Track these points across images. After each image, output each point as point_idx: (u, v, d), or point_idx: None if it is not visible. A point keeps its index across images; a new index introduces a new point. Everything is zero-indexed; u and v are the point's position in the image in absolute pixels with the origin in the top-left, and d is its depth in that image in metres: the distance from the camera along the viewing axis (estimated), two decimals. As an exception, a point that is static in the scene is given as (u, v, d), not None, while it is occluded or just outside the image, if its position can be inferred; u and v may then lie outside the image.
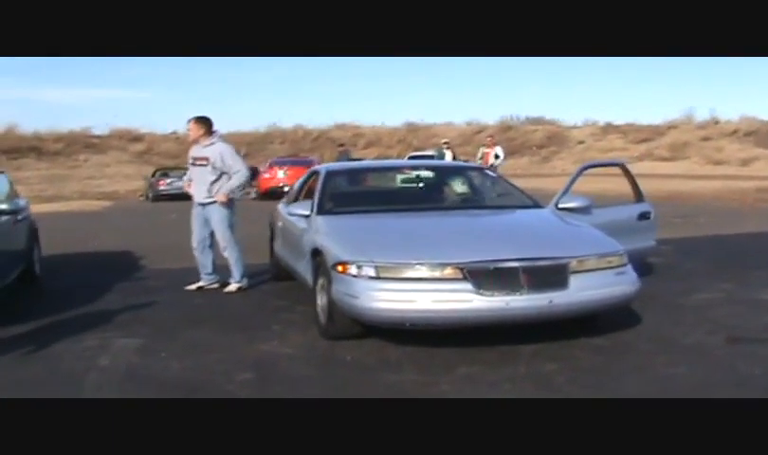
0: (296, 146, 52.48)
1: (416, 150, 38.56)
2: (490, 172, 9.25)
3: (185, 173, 31.90)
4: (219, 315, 7.96)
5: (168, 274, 10.35)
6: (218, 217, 9.20)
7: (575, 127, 55.11)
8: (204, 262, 9.35)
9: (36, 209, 24.88)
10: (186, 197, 9.81)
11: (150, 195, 31.81)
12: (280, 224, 9.23)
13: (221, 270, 9.37)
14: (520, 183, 9.00)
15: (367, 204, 8.17)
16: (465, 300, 5.91)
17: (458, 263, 6.01)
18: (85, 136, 50.76)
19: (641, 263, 9.19)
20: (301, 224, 7.82)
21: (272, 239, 9.90)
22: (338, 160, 25.37)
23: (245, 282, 9.28)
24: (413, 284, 6.00)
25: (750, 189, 25.85)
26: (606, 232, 7.34)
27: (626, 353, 6.26)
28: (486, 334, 6.37)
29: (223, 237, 9.20)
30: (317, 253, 7.00)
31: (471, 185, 8.95)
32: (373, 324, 6.30)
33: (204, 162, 9.18)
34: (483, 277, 5.97)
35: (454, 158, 26.23)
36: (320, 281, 6.86)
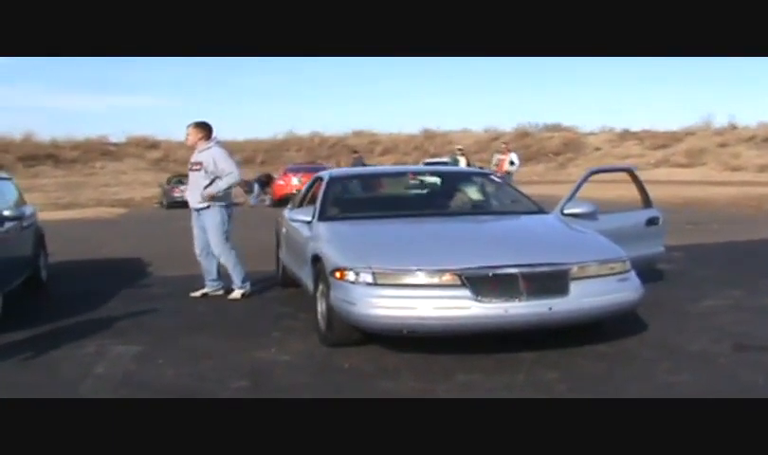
0: (312, 153, 52.61)
1: (432, 156, 38.54)
2: (495, 178, 9.14)
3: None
4: (220, 322, 7.91)
5: (174, 281, 10.31)
6: (211, 223, 9.13)
7: (591, 134, 54.88)
8: (208, 268, 9.30)
9: (52, 216, 25.33)
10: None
11: (164, 202, 31.83)
12: (284, 230, 9.18)
13: (226, 277, 9.30)
14: (535, 189, 8.93)
15: (369, 210, 8.09)
16: (463, 307, 5.82)
17: (456, 270, 5.93)
18: (102, 144, 51.02)
19: (650, 270, 9.11)
20: (304, 230, 7.76)
21: (278, 246, 9.84)
22: (352, 167, 25.32)
23: (247, 286, 9.21)
24: (411, 291, 5.92)
25: (766, 195, 25.60)
26: (612, 238, 7.23)
27: (629, 360, 6.15)
28: (487, 341, 6.28)
29: (216, 244, 9.13)
30: (317, 260, 6.93)
31: (475, 191, 8.87)
32: (370, 331, 6.22)
33: (198, 167, 9.15)
34: (481, 283, 5.88)
35: (468, 165, 26.12)
36: (321, 287, 6.79)
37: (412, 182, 9.42)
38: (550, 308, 5.89)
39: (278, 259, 9.82)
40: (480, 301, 5.81)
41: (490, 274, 5.92)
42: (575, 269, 6.10)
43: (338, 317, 6.30)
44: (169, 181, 33.57)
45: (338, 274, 6.27)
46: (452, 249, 6.41)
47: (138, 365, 6.32)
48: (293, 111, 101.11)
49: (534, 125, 58.07)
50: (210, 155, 9.08)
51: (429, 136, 57.89)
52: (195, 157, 9.24)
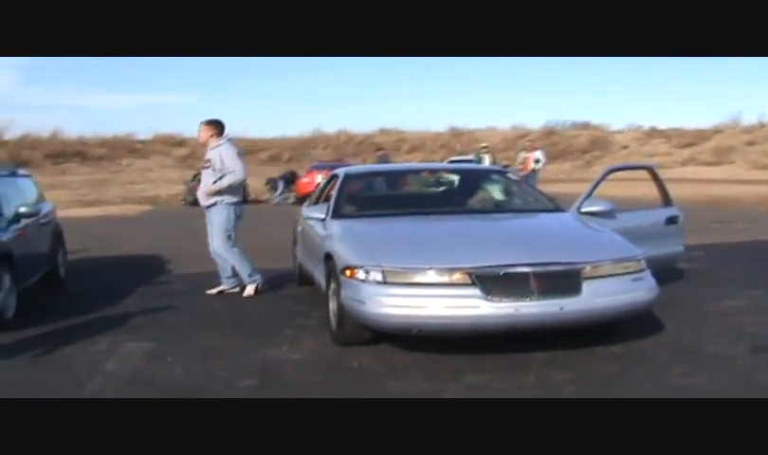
0: (339, 151, 52.53)
1: (459, 154, 38.38)
2: (512, 176, 9.05)
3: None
4: (234, 319, 7.89)
5: (192, 278, 10.30)
6: (216, 220, 9.14)
7: (618, 132, 54.46)
8: (223, 265, 9.29)
9: (77, 213, 25.52)
10: None
11: (189, 199, 31.89)
12: (299, 228, 9.13)
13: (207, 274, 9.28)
14: (561, 187, 8.86)
15: (383, 208, 8.03)
16: (473, 307, 5.75)
17: (466, 268, 5.85)
18: (129, 141, 51.22)
19: (670, 269, 9.00)
20: (318, 227, 7.72)
21: (294, 243, 9.81)
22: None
23: (258, 279, 9.18)
24: (421, 290, 5.86)
25: (795, 194, 25.28)
26: (631, 237, 7.13)
27: (643, 361, 6.06)
28: (499, 340, 6.21)
29: (217, 241, 9.13)
30: (329, 257, 6.89)
31: (491, 189, 8.77)
32: (380, 330, 6.17)
33: (208, 164, 9.14)
34: (491, 282, 5.80)
35: (493, 163, 25.96)
36: (332, 285, 6.74)
37: (427, 180, 9.36)
38: (561, 308, 5.80)
39: (294, 256, 9.78)
40: (490, 301, 5.74)
41: (501, 273, 5.84)
42: (587, 269, 6.01)
43: (349, 315, 6.26)
44: (194, 178, 33.60)
45: (348, 272, 6.22)
46: (463, 248, 6.32)
47: (148, 362, 6.31)
48: (320, 109, 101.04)
49: (562, 123, 57.71)
50: (218, 153, 9.06)
51: (456, 134, 57.61)
52: (207, 155, 9.23)
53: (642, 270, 6.29)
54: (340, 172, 8.80)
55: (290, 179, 32.07)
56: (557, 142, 51.66)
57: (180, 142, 51.81)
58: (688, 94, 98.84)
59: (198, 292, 9.27)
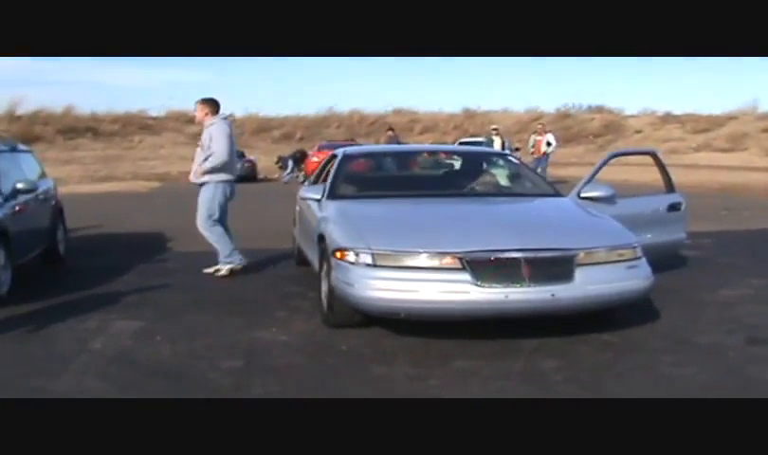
0: (352, 131, 52.42)
1: (472, 136, 38.17)
2: (512, 159, 8.92)
3: (238, 154, 31.91)
4: (227, 299, 7.83)
5: (190, 257, 10.23)
6: (202, 198, 9.08)
7: (632, 116, 54.05)
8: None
9: (87, 189, 25.58)
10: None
11: (200, 178, 31.88)
12: (298, 208, 9.06)
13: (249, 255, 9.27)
14: (573, 171, 8.76)
15: (379, 189, 7.94)
16: (462, 292, 5.66)
17: (457, 253, 5.77)
18: (141, 118, 51.25)
19: (673, 256, 8.90)
20: (314, 208, 7.65)
21: (294, 223, 9.74)
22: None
23: (236, 262, 9.08)
24: (410, 273, 5.77)
25: (808, 182, 25.03)
26: (631, 223, 7.05)
27: (634, 350, 5.96)
28: (494, 326, 6.14)
29: (200, 217, 9.08)
30: (322, 238, 6.82)
31: (491, 172, 8.65)
32: (368, 313, 6.10)
33: (200, 143, 9.08)
34: (482, 267, 5.71)
35: (503, 145, 25.82)
36: (325, 266, 6.66)
37: (428, 162, 9.26)
38: (553, 295, 5.71)
39: (294, 237, 9.72)
40: (480, 286, 5.65)
41: (492, 258, 5.75)
42: (581, 255, 5.91)
43: (338, 298, 6.19)
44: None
45: (338, 254, 6.15)
46: (455, 232, 6.22)
47: (136, 341, 6.26)
48: (335, 89, 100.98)
49: (578, 107, 57.36)
50: (209, 132, 9.01)
51: (469, 115, 57.35)
52: (202, 134, 9.18)
53: (637, 258, 6.17)
54: (339, 151, 8.72)
55: (299, 158, 32.00)
56: (570, 126, 51.36)
57: (193, 119, 51.47)
58: (705, 80, 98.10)
59: (195, 271, 9.21)
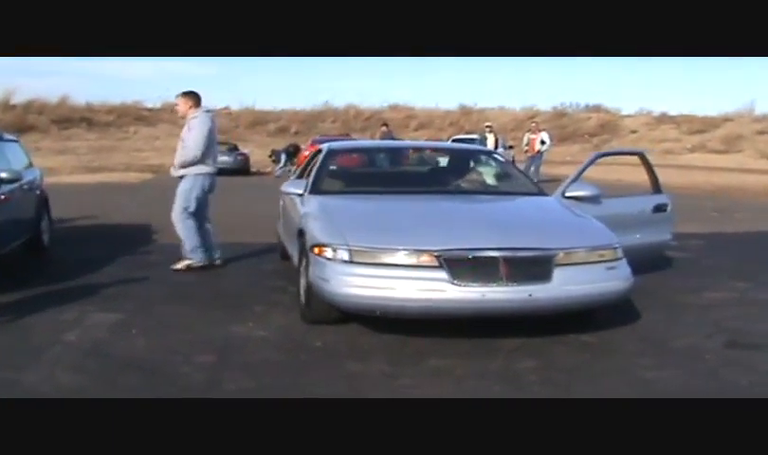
0: (347, 126, 52.32)
1: (467, 133, 38.16)
2: (498, 157, 8.87)
3: (231, 148, 31.67)
4: (208, 293, 7.80)
5: (174, 249, 10.04)
6: (179, 190, 9.02)
7: (628, 116, 54.08)
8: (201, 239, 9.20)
9: (78, 179, 25.51)
10: (226, 173, 9.57)
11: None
12: (281, 202, 9.01)
13: (249, 248, 9.22)
14: (566, 170, 8.68)
15: (362, 185, 7.90)
16: (438, 290, 5.61)
17: (434, 251, 5.72)
18: (137, 109, 51.14)
19: (659, 257, 8.88)
20: (296, 202, 7.60)
21: (279, 218, 9.70)
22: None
23: (196, 260, 8.97)
24: (387, 271, 5.72)
25: (801, 185, 25.02)
26: (616, 224, 7.02)
27: (612, 352, 5.92)
28: (475, 325, 6.09)
29: (175, 210, 9.00)
30: (302, 233, 6.77)
31: (476, 170, 8.60)
32: (344, 310, 6.05)
33: (181, 136, 9.04)
34: (459, 266, 5.67)
35: (497, 143, 25.79)
36: (304, 262, 6.62)
37: (413, 159, 9.23)
38: (530, 294, 5.66)
39: (278, 232, 9.67)
40: (456, 285, 5.60)
41: (469, 256, 5.71)
42: (560, 255, 5.86)
43: (315, 294, 6.14)
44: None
45: (316, 249, 6.10)
46: (434, 229, 6.17)
47: (111, 334, 6.21)
48: (331, 83, 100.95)
49: (575, 106, 57.38)
50: (188, 126, 8.95)
51: (465, 112, 57.35)
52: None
53: (617, 259, 6.13)
54: (325, 146, 8.67)
55: (292, 152, 31.98)
56: (566, 125, 51.44)
57: (208, 111, 51.64)
58: (702, 80, 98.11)
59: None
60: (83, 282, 8.17)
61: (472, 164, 8.74)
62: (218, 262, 9.21)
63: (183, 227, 8.95)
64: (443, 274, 5.63)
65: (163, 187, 23.35)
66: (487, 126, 26.36)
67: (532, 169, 24.20)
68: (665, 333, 6.42)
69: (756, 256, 10.60)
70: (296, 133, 49.54)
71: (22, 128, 41.89)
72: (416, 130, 52.90)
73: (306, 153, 28.37)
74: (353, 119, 55.12)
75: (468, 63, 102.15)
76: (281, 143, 37.28)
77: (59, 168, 32.39)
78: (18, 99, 45.63)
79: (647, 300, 7.25)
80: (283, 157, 32.18)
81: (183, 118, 9.19)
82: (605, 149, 45.62)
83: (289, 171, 30.33)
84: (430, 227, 6.25)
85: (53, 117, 45.39)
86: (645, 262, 8.34)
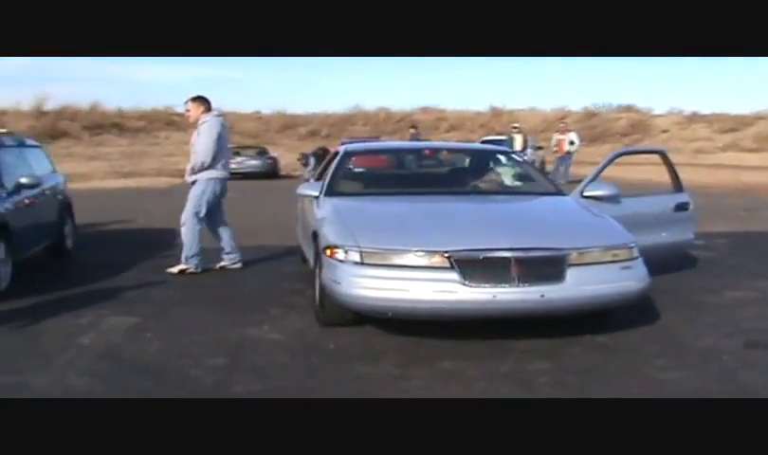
0: (378, 128, 52.34)
1: (498, 134, 38.02)
2: (516, 157, 8.80)
3: (260, 151, 31.56)
4: (225, 296, 7.81)
5: (204, 253, 10.19)
6: (191, 194, 9.05)
7: (659, 116, 53.61)
8: (221, 242, 9.23)
9: (109, 184, 25.72)
10: (255, 176, 9.60)
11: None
12: (299, 204, 9.01)
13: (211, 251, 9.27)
14: (584, 171, 8.56)
15: (377, 187, 7.87)
16: (449, 291, 5.56)
17: (445, 251, 5.67)
18: (167, 114, 51.42)
19: (683, 257, 8.78)
20: (312, 204, 7.59)
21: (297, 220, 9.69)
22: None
23: (192, 266, 8.93)
24: (398, 272, 5.69)
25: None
26: (636, 223, 6.94)
27: (627, 353, 5.83)
28: (490, 326, 6.03)
29: (186, 211, 9.01)
30: (316, 236, 6.77)
31: (494, 170, 8.54)
32: (356, 312, 6.03)
33: (192, 141, 9.05)
34: (470, 266, 5.61)
35: (525, 144, 25.62)
36: (318, 264, 6.60)
37: (429, 159, 9.19)
38: (542, 295, 5.60)
39: (297, 234, 9.67)
40: (467, 286, 5.56)
41: (480, 257, 5.66)
42: (573, 255, 5.79)
43: (328, 296, 6.12)
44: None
45: (328, 251, 6.09)
46: (446, 230, 6.13)
47: (126, 338, 6.23)
48: (362, 86, 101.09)
49: (607, 106, 56.96)
50: (198, 131, 8.96)
51: (496, 113, 57.15)
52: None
53: (633, 258, 6.03)
54: (342, 148, 8.65)
55: (321, 155, 31.92)
56: (596, 125, 51.06)
57: (219, 116, 51.89)
58: (734, 79, 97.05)
59: (206, 266, 9.15)
60: (103, 286, 8.21)
61: (489, 165, 8.68)
62: (238, 265, 9.22)
63: (189, 232, 8.95)
64: (454, 275, 5.59)
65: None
66: (514, 127, 26.15)
67: (561, 169, 24.05)
68: (683, 333, 6.33)
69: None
70: (327, 136, 49.59)
71: (54, 134, 42.40)
72: (447, 132, 52.79)
73: (335, 155, 28.45)
74: (383, 122, 55.13)
75: (499, 65, 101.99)
76: (311, 147, 37.27)
77: (91, 173, 32.67)
78: (50, 105, 46.04)
79: (667, 300, 7.16)
80: (312, 160, 32.13)
81: (194, 123, 9.17)
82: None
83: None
84: (442, 228, 6.21)
85: (85, 123, 45.79)
86: (667, 261, 8.26)
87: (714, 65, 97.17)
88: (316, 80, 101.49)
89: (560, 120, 28.62)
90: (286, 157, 36.17)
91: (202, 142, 8.84)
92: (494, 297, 5.55)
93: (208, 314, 7.02)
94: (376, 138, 36.67)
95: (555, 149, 25.23)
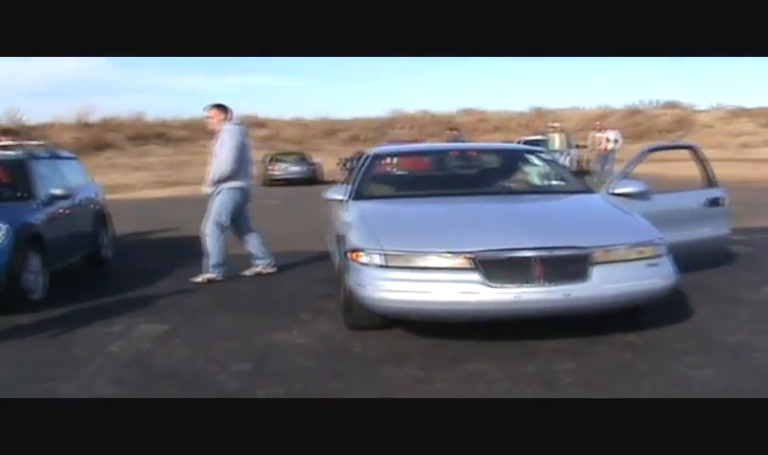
0: (420, 131, 52.28)
1: (536, 134, 37.82)
2: (544, 156, 8.72)
3: (300, 158, 31.61)
4: (255, 301, 7.83)
5: (232, 260, 10.22)
6: (214, 204, 9.04)
7: (702, 111, 52.90)
8: (251, 248, 9.31)
9: (152, 194, 26.02)
10: (297, 182, 9.59)
11: (263, 180, 31.99)
12: (328, 209, 9.01)
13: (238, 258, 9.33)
14: (638, 168, 8.46)
15: (403, 189, 7.88)
16: (472, 292, 5.52)
17: (468, 252, 5.63)
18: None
19: (718, 252, 8.64)
20: (338, 208, 7.60)
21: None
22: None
23: (217, 275, 8.93)
24: (421, 274, 5.66)
25: None
26: (668, 220, 6.85)
27: (657, 351, 5.74)
28: (519, 326, 5.97)
29: (209, 223, 9.02)
30: (341, 239, 6.77)
31: (521, 170, 8.48)
32: (381, 315, 6.01)
33: (213, 150, 9.06)
34: (493, 267, 5.57)
35: (565, 143, 25.47)
36: (344, 268, 6.60)
37: (455, 160, 9.14)
38: (567, 294, 5.52)
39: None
40: (490, 286, 5.51)
41: (504, 257, 5.60)
42: (598, 253, 5.70)
43: (354, 299, 6.12)
44: (270, 159, 33.76)
45: (353, 255, 6.08)
46: (469, 231, 6.08)
47: (155, 345, 6.28)
48: (403, 89, 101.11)
49: (652, 103, 56.34)
50: (219, 139, 8.97)
51: (538, 113, 56.78)
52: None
53: (659, 255, 5.92)
54: (371, 151, 8.65)
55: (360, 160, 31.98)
56: (640, 122, 50.50)
57: (262, 123, 52.21)
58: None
59: (231, 273, 9.18)
60: (137, 295, 8.30)
61: (516, 164, 8.61)
62: (272, 269, 9.26)
63: (212, 242, 8.96)
64: (477, 276, 5.55)
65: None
66: (551, 126, 25.97)
67: (606, 167, 23.84)
68: (716, 329, 6.22)
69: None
70: (368, 140, 49.64)
71: (99, 145, 42.98)
72: (489, 133, 52.56)
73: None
74: (425, 125, 55.02)
75: (541, 64, 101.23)
76: (353, 151, 37.41)
77: (135, 184, 33.11)
78: (93, 117, 46.64)
79: (702, 296, 7.07)
80: (351, 165, 32.24)
81: (213, 131, 9.18)
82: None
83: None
84: (465, 229, 6.16)
85: (129, 133, 46.28)
86: (703, 257, 8.14)
87: (758, 61, 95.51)
88: (357, 84, 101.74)
89: (598, 119, 28.26)
90: (329, 163, 36.26)
91: (225, 152, 8.85)
92: (517, 297, 5.50)
93: (237, 320, 7.05)
94: (414, 140, 36.67)
95: (598, 147, 24.99)
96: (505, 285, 5.52)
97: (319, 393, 4.99)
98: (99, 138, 43.44)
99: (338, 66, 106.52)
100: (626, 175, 8.12)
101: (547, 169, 8.30)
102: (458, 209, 6.95)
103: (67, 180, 9.52)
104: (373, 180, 7.91)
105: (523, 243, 5.71)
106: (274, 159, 33.10)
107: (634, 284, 5.75)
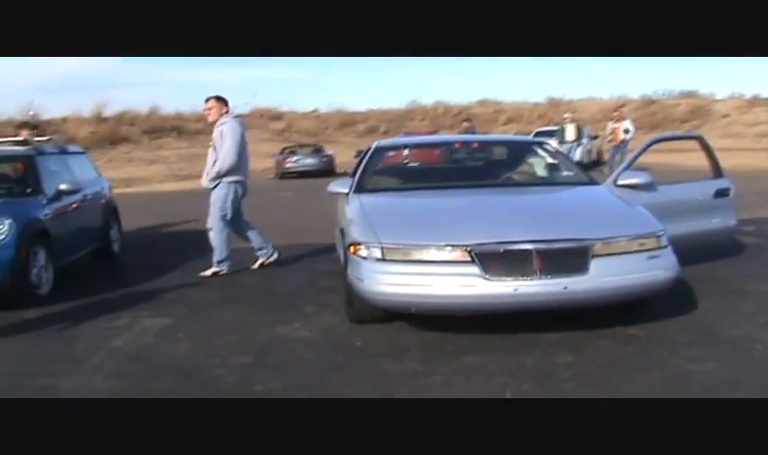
0: (436, 122, 52.14)
1: (549, 125, 37.67)
2: (548, 147, 8.66)
3: (315, 149, 31.56)
4: (260, 295, 7.86)
5: (237, 253, 10.22)
6: (213, 198, 9.03)
7: (719, 100, 52.45)
8: (252, 241, 9.37)
9: (167, 187, 26.10)
10: (311, 174, 9.58)
11: (277, 173, 32.02)
12: (335, 201, 9.00)
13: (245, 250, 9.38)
14: (652, 158, 8.40)
15: (405, 181, 7.87)
16: (469, 286, 5.51)
17: (465, 245, 5.61)
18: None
19: (725, 244, 8.58)
20: (342, 201, 7.61)
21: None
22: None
23: (224, 269, 8.96)
24: (419, 267, 5.65)
25: None
26: (674, 211, 6.81)
27: (657, 344, 5.70)
28: (521, 319, 5.95)
29: (211, 218, 9.02)
30: (343, 233, 6.78)
31: (526, 162, 8.42)
32: (381, 308, 6.01)
33: (212, 143, 9.05)
34: (491, 260, 5.55)
35: (579, 133, 25.34)
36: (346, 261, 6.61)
37: (459, 152, 9.11)
38: (565, 287, 5.49)
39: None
40: (488, 279, 5.49)
41: (501, 250, 5.58)
42: (597, 245, 5.66)
43: (355, 293, 6.12)
44: (282, 151, 33.80)
45: (352, 248, 6.09)
46: (468, 224, 6.04)
47: (158, 339, 6.32)
48: (420, 81, 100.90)
49: (668, 93, 55.93)
50: (220, 131, 8.98)
51: (554, 104, 56.46)
52: (214, 132, 9.16)
53: (660, 247, 5.88)
54: (375, 143, 8.65)
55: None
56: (655, 112, 50.14)
57: (277, 116, 52.23)
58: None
59: (238, 266, 9.23)
60: (143, 289, 8.34)
61: (520, 156, 8.56)
62: (274, 257, 9.35)
63: (217, 237, 8.99)
64: (475, 269, 5.53)
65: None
66: (565, 117, 25.83)
67: (617, 157, 23.71)
68: (719, 322, 6.18)
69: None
70: (385, 132, 49.52)
71: (115, 139, 43.13)
72: (505, 124, 52.32)
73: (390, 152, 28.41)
74: (441, 116, 54.88)
75: (558, 56, 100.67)
76: (369, 143, 37.37)
77: (150, 177, 33.22)
78: (109, 111, 46.71)
79: (707, 288, 7.04)
80: (367, 157, 32.26)
81: (213, 123, 9.18)
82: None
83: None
84: (464, 222, 6.13)
85: (144, 127, 46.31)
86: (710, 248, 8.10)
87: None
88: (374, 77, 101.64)
89: (616, 109, 28.08)
90: (345, 154, 36.22)
91: (226, 147, 8.86)
92: (516, 290, 5.48)
93: (241, 313, 7.08)
94: (430, 132, 36.66)
95: (610, 138, 24.87)
96: (504, 278, 5.50)
97: (317, 387, 5.01)
98: (114, 132, 43.56)
99: (355, 59, 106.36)
100: (630, 167, 8.07)
101: (552, 160, 8.25)
102: (458, 201, 6.94)
103: (75, 175, 9.57)
104: (374, 173, 7.90)
105: (522, 235, 5.69)
106: (290, 152, 33.09)
107: (635, 277, 5.71)
